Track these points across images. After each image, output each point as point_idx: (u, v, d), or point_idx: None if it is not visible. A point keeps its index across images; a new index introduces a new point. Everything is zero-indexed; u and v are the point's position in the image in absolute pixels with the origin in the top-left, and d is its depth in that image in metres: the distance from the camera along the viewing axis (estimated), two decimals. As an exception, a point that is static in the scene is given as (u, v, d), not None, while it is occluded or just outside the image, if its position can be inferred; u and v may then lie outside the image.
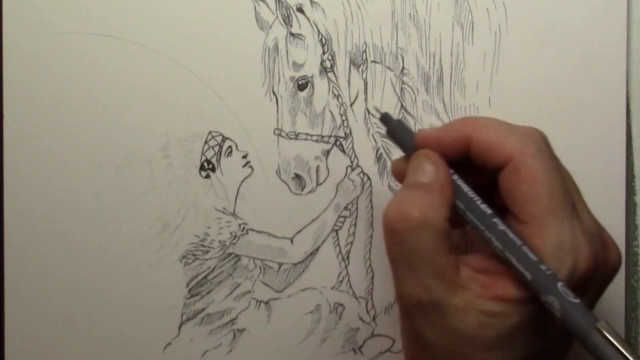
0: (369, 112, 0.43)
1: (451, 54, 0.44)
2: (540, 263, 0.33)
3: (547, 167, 0.35)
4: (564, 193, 0.35)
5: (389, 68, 0.44)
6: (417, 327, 0.35)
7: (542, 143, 0.36)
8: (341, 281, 0.45)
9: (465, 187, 0.36)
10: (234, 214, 0.44)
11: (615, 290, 0.38)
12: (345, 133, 0.44)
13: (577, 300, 0.32)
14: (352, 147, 0.44)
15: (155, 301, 0.43)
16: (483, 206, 0.35)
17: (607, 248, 0.36)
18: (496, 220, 0.35)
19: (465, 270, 0.34)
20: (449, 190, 0.36)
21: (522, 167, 0.35)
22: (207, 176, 0.43)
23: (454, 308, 0.33)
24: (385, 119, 0.40)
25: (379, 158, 0.44)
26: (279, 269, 0.44)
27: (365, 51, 0.44)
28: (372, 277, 0.45)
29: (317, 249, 0.44)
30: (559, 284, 0.32)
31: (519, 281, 0.34)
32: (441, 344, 0.34)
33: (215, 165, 0.43)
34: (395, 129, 0.39)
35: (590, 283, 0.34)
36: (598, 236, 0.36)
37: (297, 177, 0.44)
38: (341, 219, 0.44)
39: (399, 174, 0.38)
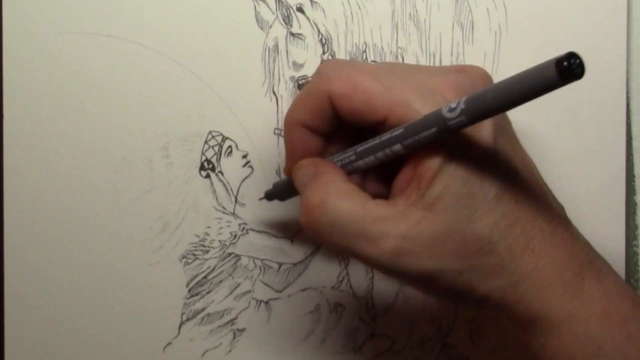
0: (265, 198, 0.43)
1: (451, 54, 0.44)
2: (422, 119, 0.33)
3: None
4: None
5: (389, 68, 0.44)
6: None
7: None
8: (341, 281, 0.45)
9: (344, 154, 0.36)
10: (234, 214, 0.44)
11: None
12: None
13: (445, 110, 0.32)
14: (352, 147, 0.44)
15: (155, 301, 0.43)
16: (366, 147, 0.35)
17: (464, 72, 0.36)
18: (379, 139, 0.35)
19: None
20: (329, 167, 0.36)
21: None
22: (207, 176, 0.43)
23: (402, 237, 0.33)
24: (269, 194, 0.42)
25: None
26: (279, 269, 0.44)
27: (365, 51, 0.44)
28: (372, 277, 0.45)
29: (317, 249, 0.44)
30: (442, 109, 0.32)
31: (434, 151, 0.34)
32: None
33: (216, 165, 0.43)
34: (280, 190, 0.41)
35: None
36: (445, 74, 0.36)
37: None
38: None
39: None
